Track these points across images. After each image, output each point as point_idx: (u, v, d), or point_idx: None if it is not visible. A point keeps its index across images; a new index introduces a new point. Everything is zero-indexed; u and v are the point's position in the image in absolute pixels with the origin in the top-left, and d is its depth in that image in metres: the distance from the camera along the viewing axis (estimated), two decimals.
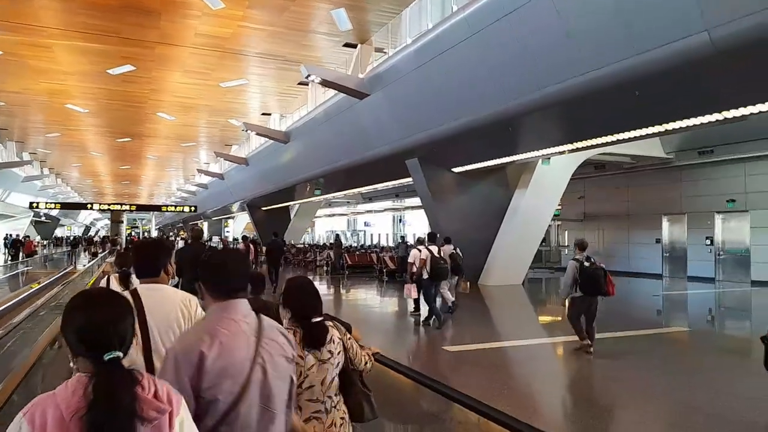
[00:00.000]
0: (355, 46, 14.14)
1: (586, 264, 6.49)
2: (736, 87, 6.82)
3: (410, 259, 8.71)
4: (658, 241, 17.05)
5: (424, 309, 8.91)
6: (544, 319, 10.69)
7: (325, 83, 12.14)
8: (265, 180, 23.44)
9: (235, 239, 33.64)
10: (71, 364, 1.28)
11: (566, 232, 20.17)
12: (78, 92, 17.15)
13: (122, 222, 34.25)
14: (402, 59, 10.81)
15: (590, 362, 6.46)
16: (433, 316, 8.47)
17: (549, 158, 13.25)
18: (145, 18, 11.74)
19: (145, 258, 2.44)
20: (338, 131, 15.11)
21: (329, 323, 2.27)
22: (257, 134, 19.32)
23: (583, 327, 6.58)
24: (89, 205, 37.23)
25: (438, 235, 10.08)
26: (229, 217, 44.32)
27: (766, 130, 13.04)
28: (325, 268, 20.04)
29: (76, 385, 1.20)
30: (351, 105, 13.27)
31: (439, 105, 10.39)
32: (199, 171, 31.16)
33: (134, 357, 1.90)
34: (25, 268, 20.75)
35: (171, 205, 39.88)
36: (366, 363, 2.37)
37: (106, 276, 4.70)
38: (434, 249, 8.57)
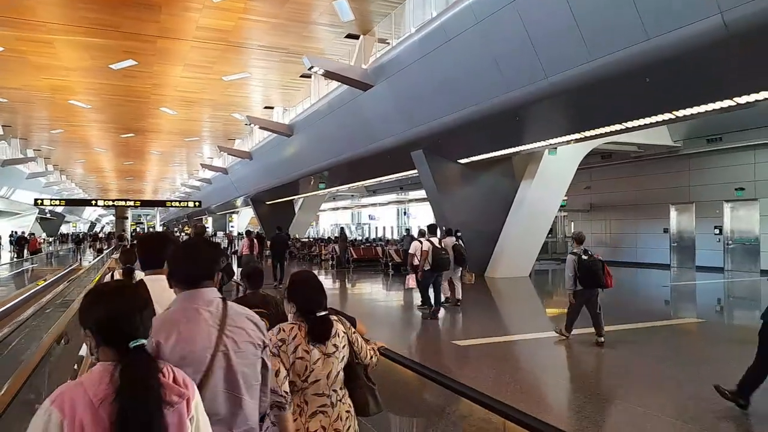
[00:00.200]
0: (357, 38, 14.00)
1: (584, 257, 6.53)
2: (748, 72, 6.65)
3: (411, 251, 8.82)
4: (666, 230, 16.89)
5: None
6: (553, 311, 10.56)
7: (328, 74, 12.03)
8: (269, 174, 23.38)
9: (239, 234, 33.65)
10: (90, 357, 1.33)
11: (572, 223, 20.02)
12: (80, 88, 17.10)
13: (127, 218, 34.37)
14: (406, 49, 10.67)
15: (602, 354, 6.38)
16: (429, 304, 8.64)
17: (556, 148, 13.11)
18: (145, 11, 11.64)
19: (149, 251, 2.50)
20: (342, 123, 14.99)
21: (334, 317, 2.27)
22: (261, 128, 19.23)
23: (580, 320, 6.57)
24: (94, 202, 37.32)
25: (438, 227, 10.12)
26: (233, 212, 44.37)
27: None
28: (330, 262, 19.99)
29: (102, 373, 1.25)
30: (354, 97, 13.15)
31: (444, 95, 10.26)
32: (203, 166, 31.14)
33: None
34: (31, 266, 20.80)
35: (175, 201, 39.93)
36: (371, 357, 2.37)
37: (111, 272, 4.69)
38: (435, 240, 8.66)
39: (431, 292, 8.90)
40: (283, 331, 2.14)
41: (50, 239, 44.76)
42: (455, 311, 9.43)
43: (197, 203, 33.27)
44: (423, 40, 9.95)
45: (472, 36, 8.53)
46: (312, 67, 11.47)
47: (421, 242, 8.61)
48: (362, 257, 18.91)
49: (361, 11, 12.41)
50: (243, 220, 43.98)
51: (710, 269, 15.10)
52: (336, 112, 14.83)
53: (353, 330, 2.34)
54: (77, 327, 1.47)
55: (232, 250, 26.18)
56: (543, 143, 11.61)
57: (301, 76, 17.25)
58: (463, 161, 13.71)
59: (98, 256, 24.58)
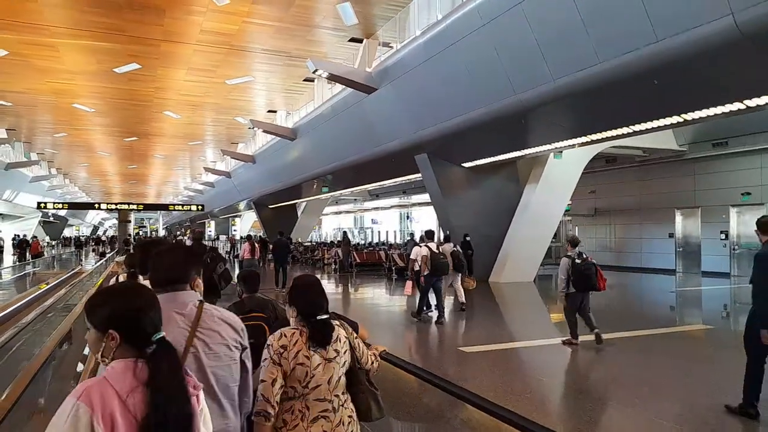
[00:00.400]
0: (360, 41, 13.97)
1: (578, 261, 6.62)
2: (760, 74, 6.56)
3: (413, 256, 8.88)
4: (671, 235, 16.77)
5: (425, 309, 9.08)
6: (558, 316, 10.46)
7: (333, 77, 11.99)
8: (272, 178, 23.35)
9: (241, 238, 33.60)
10: (100, 357, 1.35)
11: (577, 227, 19.90)
12: (84, 91, 17.11)
13: (130, 221, 34.28)
14: (411, 52, 10.62)
15: (610, 362, 6.28)
16: (419, 309, 8.75)
17: (561, 152, 13.02)
18: (148, 15, 11.65)
19: (147, 255, 2.58)
20: (346, 127, 14.95)
21: (336, 322, 2.26)
22: (264, 131, 19.20)
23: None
24: (97, 205, 37.33)
25: (443, 232, 10.05)
26: (236, 216, 44.35)
27: None
28: (333, 266, 19.90)
29: (124, 368, 1.29)
30: (359, 100, 13.11)
31: (449, 98, 10.20)
32: (206, 169, 31.13)
33: None
34: (32, 270, 20.75)
35: (178, 204, 39.94)
36: (373, 362, 2.36)
37: (116, 276, 4.68)
38: (432, 246, 8.75)
39: (432, 298, 8.92)
40: (285, 336, 2.12)
41: (53, 242, 44.78)
42: (460, 317, 9.34)
43: (200, 207, 33.24)
44: (428, 42, 9.89)
45: (478, 38, 8.47)
46: (316, 70, 11.43)
47: (430, 248, 8.65)
48: (365, 261, 18.81)
49: (364, 15, 12.39)
50: (246, 223, 43.94)
51: (716, 274, 14.96)
52: (340, 116, 14.78)
53: (355, 335, 2.32)
54: (80, 329, 1.44)
55: (234, 253, 26.12)
56: (549, 147, 11.52)
57: (305, 80, 17.24)
58: (467, 165, 13.63)
59: (100, 259, 24.54)
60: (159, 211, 58.61)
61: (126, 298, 1.39)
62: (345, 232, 22.96)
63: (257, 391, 2.03)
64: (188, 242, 10.24)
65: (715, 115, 7.73)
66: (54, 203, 32.56)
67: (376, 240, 32.56)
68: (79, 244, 41.02)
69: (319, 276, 17.20)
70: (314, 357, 2.10)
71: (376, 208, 37.09)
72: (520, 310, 11.29)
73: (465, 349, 6.81)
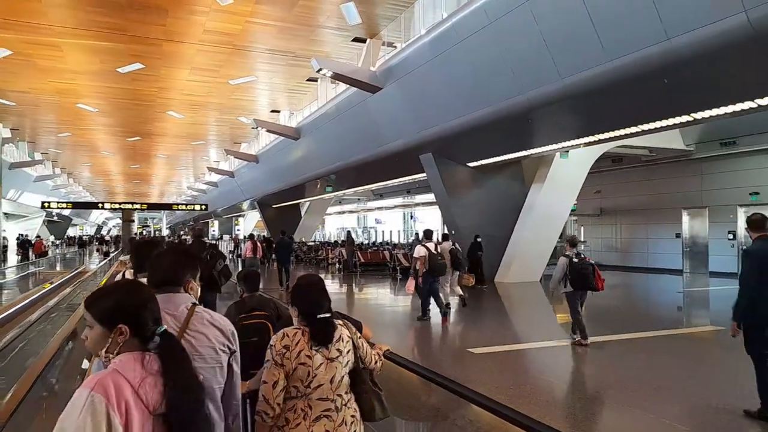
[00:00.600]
0: (364, 41, 13.89)
1: (576, 260, 6.72)
2: None
3: (415, 255, 8.92)
4: (678, 235, 16.63)
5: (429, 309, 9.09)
6: (564, 317, 10.36)
7: (337, 77, 11.91)
8: (276, 177, 23.30)
9: (244, 237, 33.61)
10: (103, 355, 1.37)
11: (582, 227, 19.78)
12: (88, 91, 17.08)
13: (133, 221, 34.30)
14: (416, 51, 10.53)
15: (617, 364, 6.19)
16: (423, 309, 8.82)
17: (568, 151, 12.91)
18: (152, 15, 11.59)
19: (140, 255, 2.71)
20: (350, 126, 14.87)
21: (339, 321, 2.25)
22: (268, 131, 19.16)
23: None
24: (100, 205, 37.36)
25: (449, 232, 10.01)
26: (239, 216, 44.35)
27: None
28: (337, 266, 19.84)
29: (132, 360, 1.33)
30: (363, 99, 13.03)
31: (454, 97, 10.11)
32: (210, 169, 31.11)
33: None
34: (36, 269, 20.75)
35: (182, 204, 39.95)
36: (376, 362, 2.35)
37: (120, 274, 4.78)
38: (431, 245, 8.78)
39: (431, 299, 8.94)
40: (287, 336, 2.12)
41: (57, 242, 44.88)
42: (466, 317, 9.27)
43: (203, 206, 33.23)
44: (434, 41, 9.80)
45: (484, 36, 8.38)
46: (320, 69, 11.36)
47: (428, 247, 8.68)
48: (370, 261, 18.75)
49: (368, 15, 12.30)
50: (249, 223, 43.94)
51: (724, 275, 14.79)
52: (344, 115, 14.71)
53: (359, 335, 2.31)
54: (84, 327, 1.49)
55: (237, 253, 26.13)
56: (555, 146, 11.41)
57: (308, 80, 17.17)
58: (472, 164, 13.53)
59: (104, 259, 24.54)
60: (162, 211, 58.61)
61: (130, 293, 1.44)
62: (349, 232, 22.87)
63: (259, 391, 2.05)
64: (190, 240, 10.27)
65: (725, 114, 7.62)
66: (58, 203, 32.57)
67: (379, 240, 32.47)
68: (81, 243, 40.83)
69: (323, 276, 17.10)
70: (316, 356, 2.09)
71: (380, 208, 37.01)
72: (526, 310, 11.19)
73: (472, 350, 6.72)
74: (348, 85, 13.47)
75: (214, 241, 30.37)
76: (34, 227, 40.82)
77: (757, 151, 14.26)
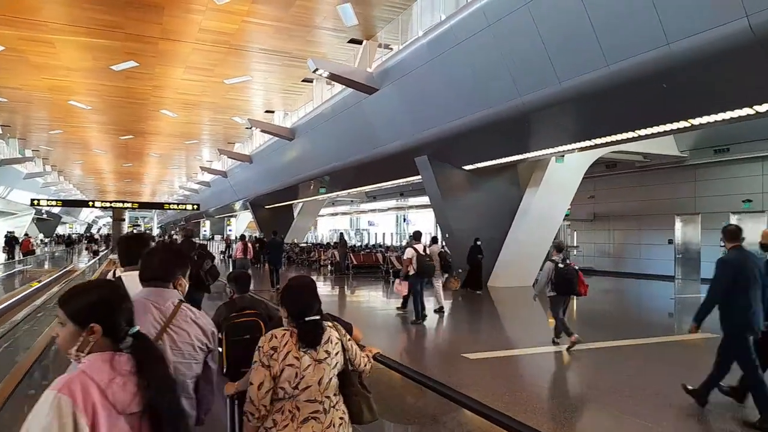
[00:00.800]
0: (360, 43, 13.85)
1: (561, 266, 6.89)
2: None
3: (406, 256, 9.05)
4: (671, 242, 16.69)
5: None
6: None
7: (333, 77, 11.86)
8: (269, 178, 23.18)
9: (236, 238, 33.43)
10: (74, 353, 1.37)
11: (575, 232, 19.83)
12: (80, 88, 16.91)
13: (124, 220, 34.01)
14: (413, 52, 10.50)
15: (611, 371, 6.16)
16: (415, 310, 8.84)
17: (563, 156, 12.93)
18: (147, 13, 11.48)
19: (128, 249, 2.77)
20: (345, 128, 14.81)
21: (328, 323, 2.25)
22: (262, 131, 19.04)
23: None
24: (91, 203, 36.99)
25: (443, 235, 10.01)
26: (231, 216, 44.11)
27: None
28: (329, 267, 19.76)
29: (100, 361, 1.34)
30: (359, 101, 12.98)
31: (451, 99, 10.08)
32: (202, 169, 30.91)
33: None
34: (23, 267, 20.45)
35: (173, 203, 39.65)
36: (365, 364, 2.35)
37: (110, 273, 4.77)
38: (419, 247, 8.89)
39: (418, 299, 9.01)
40: (275, 338, 2.12)
41: (46, 240, 44.36)
42: (458, 321, 9.24)
43: (195, 206, 33.00)
44: (431, 43, 9.76)
45: (483, 39, 8.35)
46: (317, 70, 11.30)
47: (416, 249, 8.81)
48: (362, 263, 18.67)
49: (365, 16, 12.27)
50: (241, 224, 43.69)
51: None
52: (339, 116, 14.64)
53: (348, 337, 2.31)
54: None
55: (229, 253, 25.97)
56: (552, 150, 11.42)
57: (303, 81, 17.10)
58: (468, 168, 13.51)
59: (94, 258, 24.26)
60: (154, 210, 58.19)
61: (105, 292, 1.45)
62: (341, 234, 22.82)
63: (246, 392, 2.08)
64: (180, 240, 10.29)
65: (723, 120, 7.64)
66: (48, 200, 32.20)
67: (372, 242, 32.41)
68: (69, 242, 40.06)
69: (314, 277, 17.05)
70: (304, 358, 2.09)
71: (373, 210, 36.95)
72: (521, 315, 11.16)
73: (466, 355, 6.67)
74: (343, 87, 13.42)
75: (204, 242, 30.22)
76: (23, 225, 40.32)
77: (751, 158, 14.37)
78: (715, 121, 7.77)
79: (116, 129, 22.69)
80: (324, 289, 14.67)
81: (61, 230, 59.30)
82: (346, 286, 15.54)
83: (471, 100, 9.59)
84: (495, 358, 6.64)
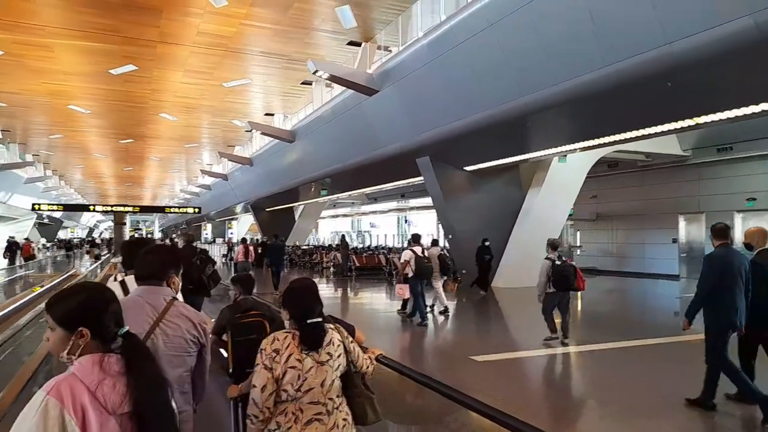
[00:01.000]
0: (359, 45, 13.78)
1: (558, 263, 7.09)
2: None
3: (403, 259, 9.13)
4: (675, 241, 16.59)
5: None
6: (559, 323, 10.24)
7: (333, 79, 11.79)
8: (270, 180, 23.12)
9: (238, 241, 33.37)
10: (65, 357, 1.39)
11: (578, 232, 19.73)
12: (80, 93, 16.87)
13: (125, 224, 33.93)
14: (414, 53, 10.42)
15: (620, 372, 6.08)
16: (417, 312, 8.89)
17: (566, 156, 12.84)
18: (145, 16, 11.43)
19: (131, 253, 2.81)
20: (346, 129, 14.74)
21: (330, 325, 2.26)
22: (262, 134, 18.98)
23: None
24: (92, 207, 36.90)
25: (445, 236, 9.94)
26: (233, 219, 44.06)
27: None
28: (332, 269, 19.68)
29: (91, 363, 1.36)
30: (359, 102, 12.90)
31: (452, 100, 10.01)
32: (203, 172, 30.85)
33: None
34: (24, 272, 20.40)
35: (174, 207, 39.59)
36: (368, 366, 2.37)
37: (113, 275, 4.92)
38: (418, 249, 8.95)
39: (410, 301, 9.18)
40: (278, 340, 2.13)
41: (48, 245, 44.32)
42: (461, 322, 9.17)
43: (196, 210, 32.94)
44: (432, 43, 9.69)
45: (483, 39, 8.27)
46: (317, 71, 11.23)
47: (414, 251, 8.89)
48: (365, 265, 18.59)
49: (363, 18, 12.20)
50: (243, 226, 43.66)
51: None
52: (340, 118, 14.58)
53: (350, 339, 2.32)
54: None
55: (230, 256, 25.92)
56: (554, 150, 11.33)
57: (302, 83, 17.03)
58: (469, 168, 13.43)
59: (96, 262, 24.20)
60: (155, 214, 58.16)
61: (91, 296, 1.46)
62: (343, 236, 22.71)
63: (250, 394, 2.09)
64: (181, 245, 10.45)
65: (728, 118, 7.55)
66: (48, 205, 32.14)
67: (374, 244, 32.34)
68: (69, 246, 39.86)
69: (317, 280, 17.04)
70: (306, 360, 2.10)
71: (374, 212, 36.88)
72: (526, 315, 11.05)
73: (474, 358, 6.60)
74: (343, 89, 13.35)
75: (204, 246, 30.15)
76: (24, 229, 40.29)
77: (754, 157, 14.25)
78: (720, 120, 7.68)
79: (116, 133, 22.66)
80: (326, 291, 14.60)
81: (62, 235, 59.31)
82: (348, 288, 15.47)
83: (472, 100, 9.51)
84: (503, 361, 6.55)
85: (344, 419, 2.16)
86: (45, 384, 1.31)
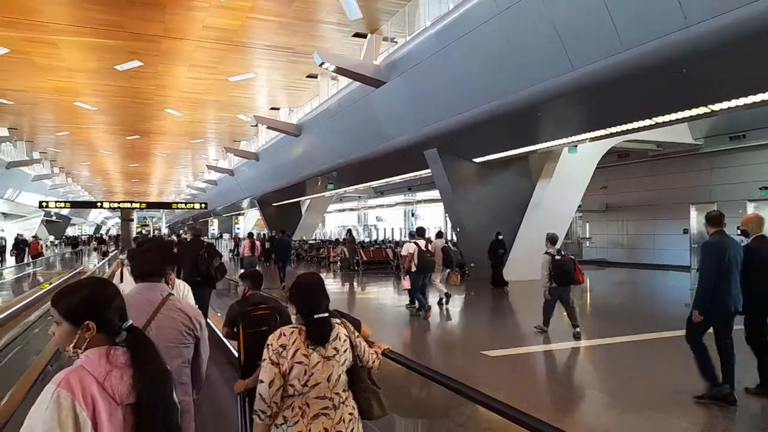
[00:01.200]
0: (364, 37, 13.63)
1: (557, 257, 7.15)
2: None
3: (404, 252, 9.16)
4: (686, 231, 16.36)
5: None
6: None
7: (340, 71, 11.68)
8: (277, 175, 23.07)
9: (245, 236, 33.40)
10: (71, 350, 1.42)
11: (588, 224, 19.56)
12: (86, 89, 16.85)
13: (132, 220, 34.02)
14: (421, 43, 10.28)
15: (641, 367, 5.97)
16: (420, 306, 8.94)
17: (576, 145, 12.67)
18: (150, 11, 11.37)
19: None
20: (353, 122, 14.63)
21: (337, 320, 2.27)
22: (268, 128, 18.92)
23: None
24: (99, 204, 37.09)
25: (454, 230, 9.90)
26: (239, 214, 44.13)
27: None
28: (339, 264, 19.62)
29: (98, 355, 1.39)
30: (366, 94, 12.78)
31: (461, 90, 9.86)
32: (209, 167, 30.86)
33: None
34: (32, 270, 20.49)
35: (181, 203, 39.68)
36: (374, 361, 2.37)
37: (119, 270, 5.15)
38: (422, 243, 8.94)
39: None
40: (284, 335, 2.13)
41: (56, 242, 44.57)
42: (476, 316, 9.06)
43: (203, 205, 32.98)
44: (440, 33, 9.54)
45: (493, 27, 8.12)
46: (323, 63, 11.12)
47: (418, 245, 8.88)
48: (372, 260, 18.52)
49: (368, 9, 12.05)
50: (249, 222, 43.72)
51: None
52: (346, 111, 14.46)
53: (357, 334, 2.33)
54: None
55: (237, 251, 25.94)
56: (564, 140, 11.17)
57: (308, 76, 16.92)
58: (478, 160, 13.30)
59: (103, 259, 24.28)
60: (162, 210, 58.40)
61: (96, 290, 1.49)
62: (349, 230, 22.64)
63: (256, 389, 2.10)
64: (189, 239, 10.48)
65: (745, 105, 7.37)
66: (56, 202, 32.28)
67: (381, 238, 32.26)
68: (75, 243, 39.94)
69: (324, 274, 16.99)
70: (313, 355, 2.10)
71: (381, 206, 36.79)
72: (536, 309, 10.95)
73: (486, 353, 6.50)
74: (349, 81, 13.22)
75: (211, 240, 30.19)
76: (32, 227, 40.55)
77: (767, 145, 14.03)
78: (737, 107, 7.51)
79: (122, 129, 22.67)
80: (334, 286, 14.55)
81: (70, 231, 59.66)
82: (355, 283, 15.41)
83: (481, 90, 9.37)
84: (517, 356, 6.46)
85: (350, 413, 2.16)
86: (54, 377, 1.33)
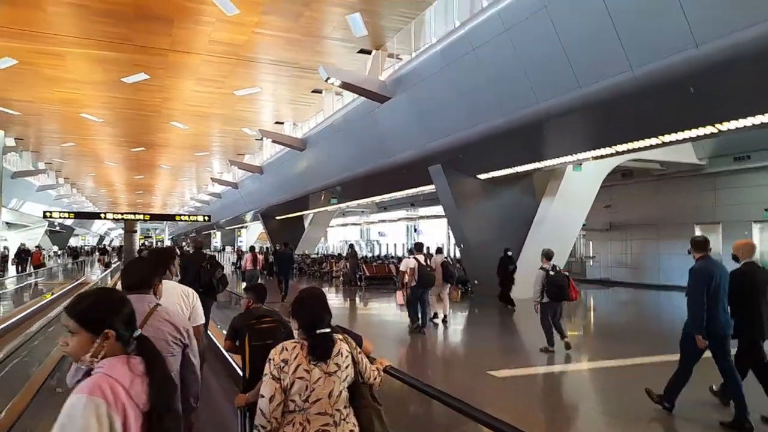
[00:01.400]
0: (369, 53, 13.72)
1: (552, 273, 7.21)
2: None
3: (403, 268, 9.23)
4: (690, 252, 16.25)
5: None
6: (573, 334, 10.00)
7: (345, 86, 11.73)
8: (280, 189, 23.09)
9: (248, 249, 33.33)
10: (88, 359, 1.41)
11: (591, 242, 19.45)
12: (92, 101, 16.95)
13: (136, 231, 34.03)
14: (427, 60, 10.31)
15: (632, 389, 5.85)
16: (412, 320, 9.04)
17: (581, 164, 12.65)
18: (157, 25, 11.45)
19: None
20: (357, 137, 14.66)
21: (339, 336, 2.25)
22: (273, 142, 18.97)
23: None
24: (103, 215, 37.11)
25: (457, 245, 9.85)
26: (242, 227, 44.14)
27: None
28: (341, 279, 19.52)
29: (119, 363, 1.42)
30: (371, 110, 12.82)
31: (466, 107, 9.87)
32: (213, 180, 30.94)
33: None
34: (34, 280, 20.45)
35: (184, 215, 39.70)
36: (376, 377, 2.36)
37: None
38: (421, 258, 9.00)
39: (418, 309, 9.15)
40: (286, 350, 2.11)
41: (59, 252, 44.56)
42: (480, 334, 8.95)
43: (206, 217, 33.02)
44: (446, 49, 9.57)
45: (499, 44, 8.14)
46: (329, 78, 11.16)
47: (418, 260, 8.92)
48: (375, 275, 18.42)
49: (374, 26, 12.13)
50: (252, 235, 43.73)
51: None
52: (351, 126, 14.50)
53: (358, 350, 2.31)
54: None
55: (239, 264, 25.88)
56: (570, 158, 11.15)
57: (313, 91, 17.00)
58: (483, 177, 13.27)
59: (105, 270, 24.23)
60: (165, 222, 58.47)
61: (112, 299, 1.52)
62: (351, 245, 22.57)
63: (257, 404, 2.08)
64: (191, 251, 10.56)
65: (753, 125, 7.34)
66: (60, 212, 32.29)
67: (383, 253, 32.17)
68: (76, 254, 39.92)
69: (326, 289, 16.89)
70: (314, 371, 2.08)
71: (383, 221, 36.75)
72: (536, 327, 10.83)
73: (493, 373, 6.38)
74: (354, 96, 13.26)
75: (213, 253, 30.15)
76: (35, 237, 40.57)
77: None
78: (744, 127, 7.47)
79: (127, 141, 22.78)
80: (336, 301, 14.45)
81: (73, 242, 59.71)
82: (357, 298, 15.30)
83: (487, 107, 9.37)
84: (524, 377, 6.33)
85: (351, 430, 2.14)
86: (78, 387, 1.33)
